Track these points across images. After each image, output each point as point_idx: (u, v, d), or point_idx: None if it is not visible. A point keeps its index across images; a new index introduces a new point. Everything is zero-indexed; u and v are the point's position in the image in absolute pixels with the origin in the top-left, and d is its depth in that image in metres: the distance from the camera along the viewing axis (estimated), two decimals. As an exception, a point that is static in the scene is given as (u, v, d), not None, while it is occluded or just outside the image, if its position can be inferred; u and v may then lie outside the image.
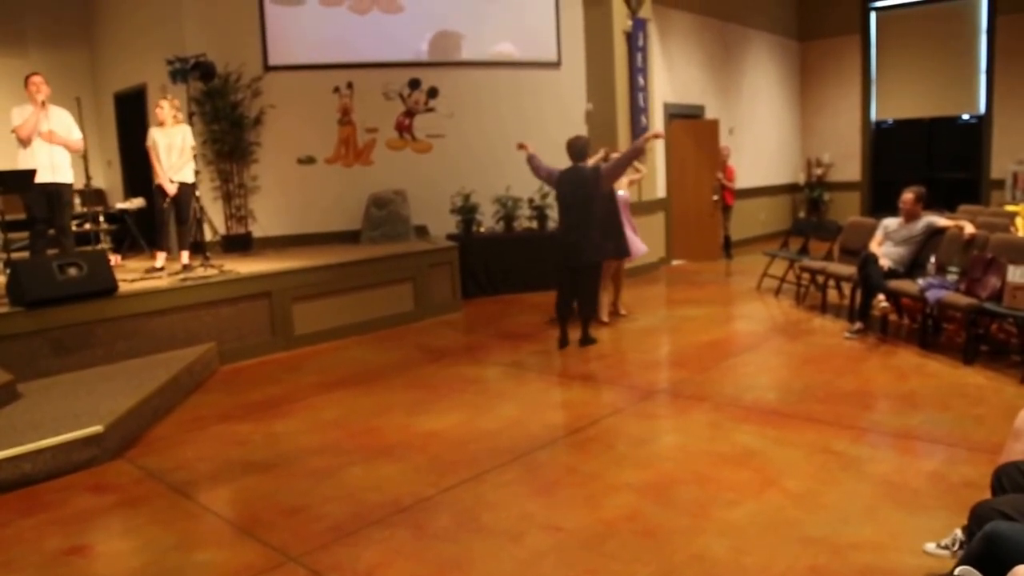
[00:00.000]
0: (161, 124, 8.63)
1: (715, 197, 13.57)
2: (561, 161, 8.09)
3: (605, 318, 8.79)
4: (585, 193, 7.86)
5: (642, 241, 9.15)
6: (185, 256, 8.67)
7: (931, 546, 3.41)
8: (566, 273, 8.05)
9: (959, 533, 3.28)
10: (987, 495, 3.18)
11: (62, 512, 4.45)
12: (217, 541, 4.09)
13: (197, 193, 8.80)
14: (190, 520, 4.38)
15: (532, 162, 8.34)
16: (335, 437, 5.58)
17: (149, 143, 8.63)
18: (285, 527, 4.13)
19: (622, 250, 8.67)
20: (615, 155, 8.46)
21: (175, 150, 8.59)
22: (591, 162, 8.19)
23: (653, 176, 12.80)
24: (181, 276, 7.96)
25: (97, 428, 5.17)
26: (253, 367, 7.78)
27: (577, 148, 7.99)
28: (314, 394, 6.72)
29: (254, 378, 7.36)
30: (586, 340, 8.02)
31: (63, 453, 4.99)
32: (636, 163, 8.82)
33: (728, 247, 14.04)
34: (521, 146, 8.47)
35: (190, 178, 8.73)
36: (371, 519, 4.17)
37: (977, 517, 2.87)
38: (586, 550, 3.75)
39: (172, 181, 8.54)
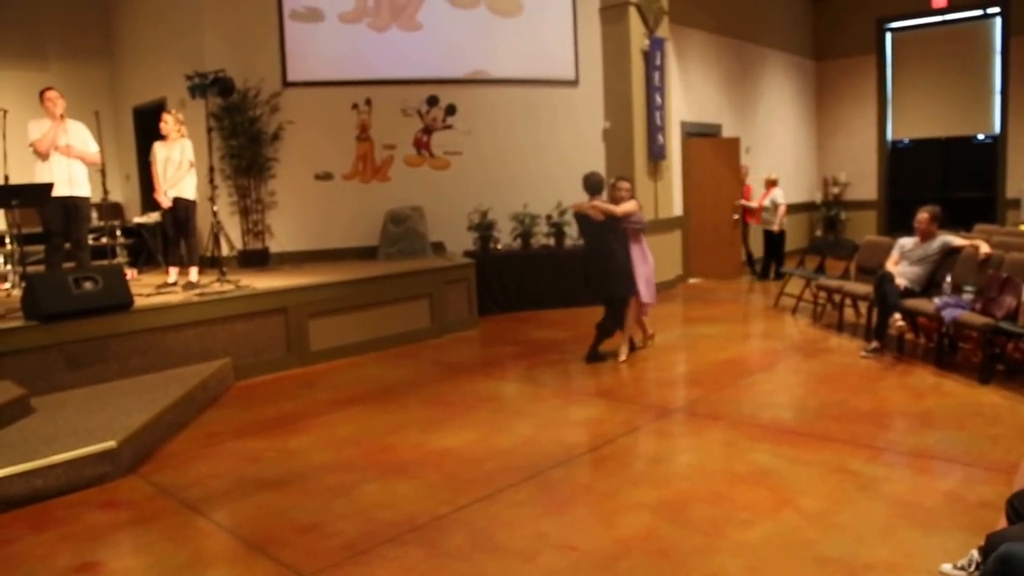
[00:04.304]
0: (165, 138, 8.67)
1: (735, 216, 13.57)
2: (576, 180, 8.11)
3: (623, 357, 8.11)
4: (603, 227, 7.89)
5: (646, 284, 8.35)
6: (193, 273, 8.65)
7: (947, 567, 3.38)
8: (599, 299, 8.30)
9: (975, 554, 3.25)
10: (1003, 515, 3.16)
11: (74, 528, 4.45)
12: (230, 559, 4.08)
13: (215, 208, 8.80)
14: (203, 537, 4.37)
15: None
16: (349, 454, 5.57)
17: (151, 157, 8.71)
18: (298, 545, 4.12)
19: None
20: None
21: (172, 164, 8.59)
22: (627, 207, 7.94)
23: (670, 194, 12.80)
24: (196, 292, 7.97)
25: (110, 443, 5.17)
26: (268, 383, 7.78)
27: (592, 183, 8.02)
28: (329, 411, 6.72)
29: (269, 394, 7.37)
30: (592, 356, 8.05)
31: (75, 468, 4.99)
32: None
33: (752, 264, 14.01)
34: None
35: (189, 194, 8.70)
36: (385, 537, 4.16)
37: (991, 548, 2.84)
38: (601, 570, 3.72)
39: (166, 195, 8.57)
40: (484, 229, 11.16)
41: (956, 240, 7.83)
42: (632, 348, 8.26)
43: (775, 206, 13.51)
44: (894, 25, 16.91)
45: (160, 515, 4.61)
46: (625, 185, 8.12)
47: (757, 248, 14.18)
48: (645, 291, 8.16)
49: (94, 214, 9.72)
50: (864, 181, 17.47)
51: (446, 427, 6.11)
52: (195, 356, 7.50)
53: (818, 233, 17.31)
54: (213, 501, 4.80)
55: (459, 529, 4.25)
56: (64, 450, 5.01)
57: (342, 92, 11.33)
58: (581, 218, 8.09)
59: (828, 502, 4.37)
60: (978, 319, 6.70)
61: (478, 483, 4.90)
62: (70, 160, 7.95)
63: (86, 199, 8.22)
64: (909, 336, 8.08)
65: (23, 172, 8.06)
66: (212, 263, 8.87)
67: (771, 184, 13.76)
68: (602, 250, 7.94)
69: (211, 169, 8.80)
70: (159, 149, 8.64)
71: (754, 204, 13.81)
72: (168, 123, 8.65)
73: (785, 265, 13.02)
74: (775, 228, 13.53)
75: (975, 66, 16.05)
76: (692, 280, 13.56)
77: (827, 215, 17.56)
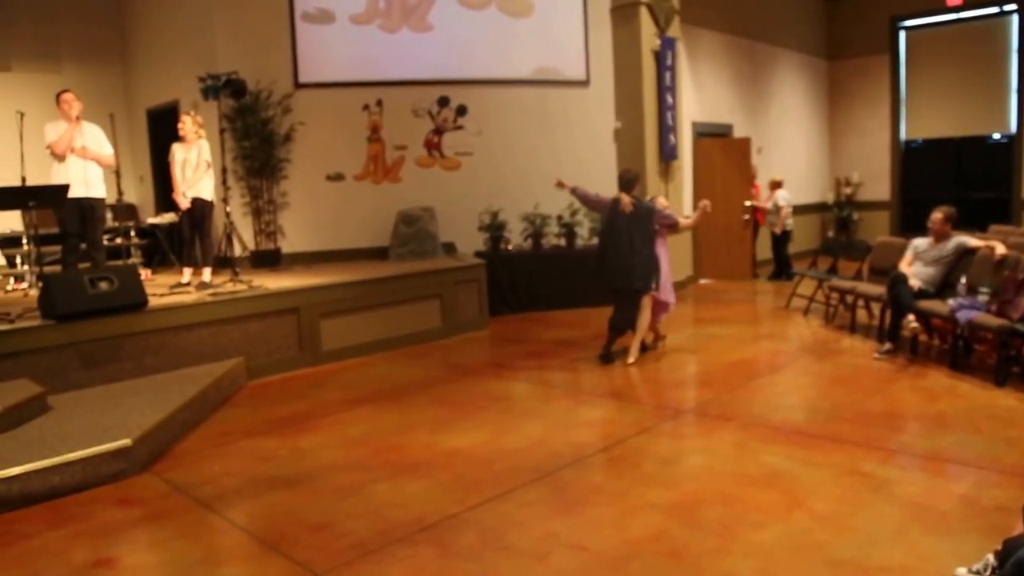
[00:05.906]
0: (183, 139, 8.72)
1: (745, 216, 13.54)
2: (588, 179, 8.14)
3: (632, 359, 8.09)
4: (637, 223, 7.94)
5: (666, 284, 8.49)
6: (206, 273, 8.70)
7: (962, 571, 3.36)
8: (614, 294, 8.24)
9: (991, 558, 3.23)
10: (1018, 518, 3.15)
11: (89, 525, 4.48)
12: (243, 556, 4.10)
13: (228, 209, 8.84)
14: (216, 535, 4.40)
15: (577, 193, 8.38)
16: (360, 453, 5.59)
17: (170, 157, 8.75)
18: (310, 543, 4.14)
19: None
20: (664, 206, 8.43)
21: (190, 165, 8.65)
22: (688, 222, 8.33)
23: (680, 195, 12.78)
24: (209, 292, 8.00)
25: (125, 441, 5.21)
26: (280, 382, 7.81)
27: (627, 179, 8.20)
28: (340, 410, 6.74)
29: (281, 393, 7.40)
30: (607, 356, 8.06)
31: (91, 466, 5.03)
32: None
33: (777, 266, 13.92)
34: (560, 184, 8.41)
35: (207, 194, 8.75)
36: (395, 536, 4.17)
37: (1009, 553, 2.83)
38: (611, 570, 3.72)
39: (185, 196, 8.61)
40: (495, 229, 11.17)
41: (971, 241, 7.78)
42: (643, 349, 8.25)
43: (777, 208, 13.53)
44: (908, 24, 16.83)
45: (174, 512, 4.64)
46: (663, 201, 8.64)
47: (762, 249, 14.15)
48: (665, 290, 8.26)
49: (109, 215, 9.76)
50: (877, 181, 17.41)
51: (456, 427, 6.12)
52: (208, 355, 7.54)
53: (830, 234, 17.25)
54: (226, 499, 4.83)
55: (469, 529, 4.25)
56: (80, 448, 5.05)
57: (353, 93, 11.36)
58: (611, 206, 8.10)
59: (840, 504, 4.36)
60: (993, 321, 6.66)
61: (488, 483, 4.91)
62: (86, 162, 8.02)
63: (101, 200, 8.28)
64: (923, 338, 8.05)
65: (40, 173, 8.11)
66: (225, 263, 8.90)
67: (775, 186, 13.77)
68: (625, 242, 7.94)
69: (224, 170, 8.85)
70: (178, 150, 8.69)
71: (763, 203, 13.80)
72: (186, 124, 8.69)
73: (792, 266, 12.98)
74: (776, 230, 13.56)
75: (991, 65, 15.95)
76: (703, 281, 13.55)
77: (839, 215, 17.49)
